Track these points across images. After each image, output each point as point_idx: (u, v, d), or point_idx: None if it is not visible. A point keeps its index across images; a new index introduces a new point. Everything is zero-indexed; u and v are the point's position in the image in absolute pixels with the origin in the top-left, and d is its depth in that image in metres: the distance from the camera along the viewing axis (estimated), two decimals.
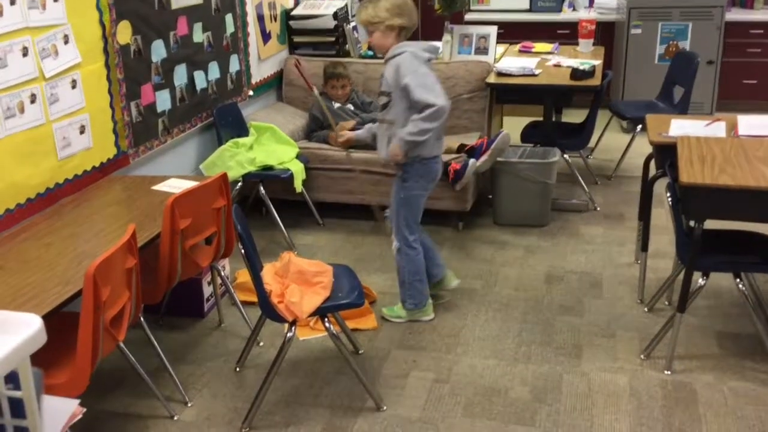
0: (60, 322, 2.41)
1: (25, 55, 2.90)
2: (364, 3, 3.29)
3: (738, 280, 3.07)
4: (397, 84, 3.16)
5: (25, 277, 2.49)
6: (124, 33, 3.47)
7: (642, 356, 3.20)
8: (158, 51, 3.72)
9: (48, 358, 2.33)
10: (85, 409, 1.60)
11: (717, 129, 3.57)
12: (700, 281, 3.07)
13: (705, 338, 3.33)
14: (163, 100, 3.80)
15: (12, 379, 1.25)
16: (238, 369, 3.21)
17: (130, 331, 2.68)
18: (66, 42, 3.11)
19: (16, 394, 1.27)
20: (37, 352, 1.47)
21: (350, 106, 4.74)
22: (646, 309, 3.57)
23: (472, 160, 4.18)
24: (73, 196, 3.20)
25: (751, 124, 3.55)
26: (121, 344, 2.63)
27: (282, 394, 3.03)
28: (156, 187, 3.24)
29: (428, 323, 3.49)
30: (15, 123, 2.88)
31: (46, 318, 2.06)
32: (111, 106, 3.42)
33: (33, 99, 2.96)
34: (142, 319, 2.83)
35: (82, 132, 3.24)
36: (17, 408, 1.30)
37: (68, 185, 3.19)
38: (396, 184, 3.40)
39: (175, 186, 3.23)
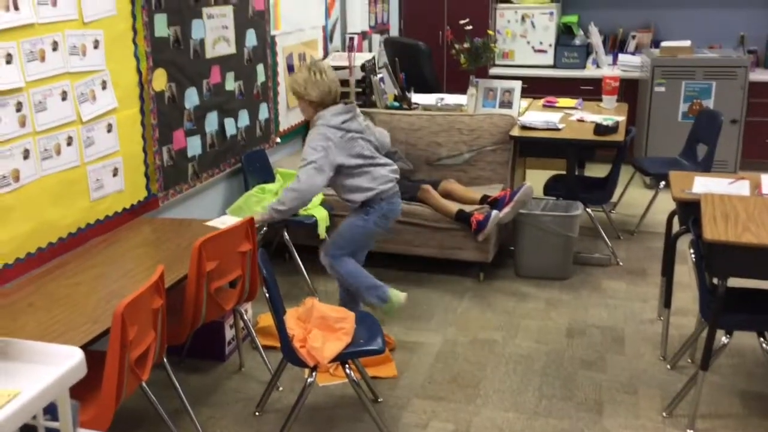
0: (87, 360, 2.44)
1: (64, 99, 3.00)
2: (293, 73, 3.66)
3: (762, 339, 3.04)
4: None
5: (54, 314, 2.54)
6: (160, 80, 3.58)
7: (664, 414, 3.16)
8: (191, 98, 3.83)
9: (75, 394, 2.37)
10: None
11: (741, 187, 3.58)
12: (724, 339, 3.05)
13: (728, 397, 3.29)
14: (194, 146, 3.89)
15: (50, 410, 1.28)
16: (257, 413, 3.21)
17: (152, 371, 2.71)
18: (104, 87, 3.22)
19: (54, 425, 1.30)
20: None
21: None
22: (668, 366, 3.54)
23: (494, 212, 4.21)
24: (103, 237, 3.26)
25: None
26: (144, 384, 2.65)
27: None
28: (209, 223, 3.41)
29: (446, 370, 3.48)
30: (51, 164, 2.96)
31: None
32: (144, 150, 3.51)
33: (69, 141, 3.05)
34: (165, 359, 2.86)
35: (115, 174, 3.33)
36: None
37: (99, 226, 3.26)
38: (355, 214, 3.59)
39: (226, 222, 3.40)
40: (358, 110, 3.59)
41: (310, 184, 3.39)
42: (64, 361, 1.26)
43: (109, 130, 3.27)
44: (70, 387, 1.48)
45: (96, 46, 3.16)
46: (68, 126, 3.04)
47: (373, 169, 3.51)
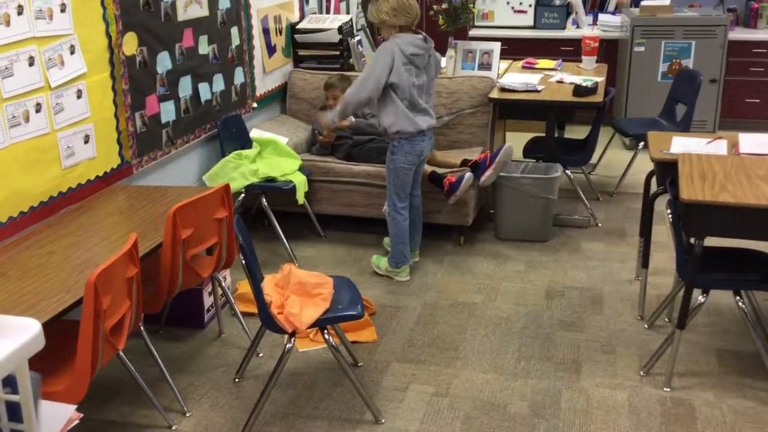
0: (60, 330, 2.42)
1: (31, 64, 2.93)
2: (371, 4, 3.89)
3: (738, 297, 3.07)
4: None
5: (26, 284, 2.50)
6: (130, 44, 3.50)
7: (641, 373, 3.19)
8: (163, 62, 3.75)
9: (47, 365, 2.35)
10: (81, 415, 1.61)
11: (718, 147, 3.58)
12: (700, 298, 3.08)
13: (705, 355, 3.32)
14: (168, 111, 3.83)
15: (10, 382, 1.26)
16: (237, 380, 3.21)
17: (129, 340, 2.69)
18: (72, 52, 3.14)
19: (14, 397, 1.28)
20: (36, 359, 1.48)
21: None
22: (646, 325, 3.57)
23: (468, 174, 4.18)
24: (76, 205, 3.21)
25: (752, 142, 3.56)
26: (121, 353, 2.64)
27: (280, 406, 3.03)
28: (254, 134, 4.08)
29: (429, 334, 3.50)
30: (20, 132, 2.90)
31: (47, 325, 2.06)
32: (116, 116, 3.44)
33: (38, 108, 2.98)
34: (142, 328, 2.84)
35: (86, 141, 3.26)
36: (14, 412, 1.31)
37: (71, 194, 3.21)
38: (387, 156, 3.92)
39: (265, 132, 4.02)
40: (430, 43, 3.82)
41: (357, 92, 3.75)
42: (21, 333, 1.24)
43: (78, 96, 3.20)
44: (42, 358, 1.45)
45: (63, 10, 3.08)
46: (36, 92, 2.97)
47: (406, 109, 3.75)
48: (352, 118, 4.66)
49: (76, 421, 1.57)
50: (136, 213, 3.17)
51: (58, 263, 2.67)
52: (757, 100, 6.54)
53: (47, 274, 2.58)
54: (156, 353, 2.96)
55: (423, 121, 3.83)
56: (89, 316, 2.30)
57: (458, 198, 4.22)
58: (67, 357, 2.42)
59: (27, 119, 2.93)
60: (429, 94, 3.92)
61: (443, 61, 5.21)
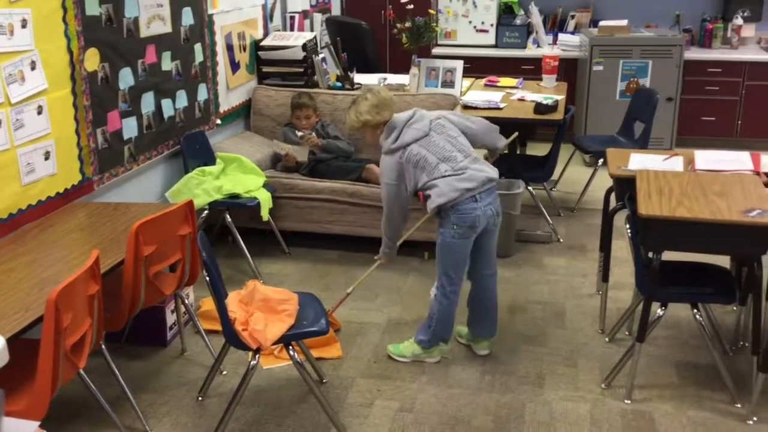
0: (20, 349, 2.37)
1: None
2: (348, 109, 3.41)
3: (695, 310, 3.14)
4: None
5: None
6: (92, 60, 3.47)
7: (603, 385, 3.24)
8: (126, 78, 3.73)
9: (7, 384, 2.30)
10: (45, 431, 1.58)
11: (675, 163, 3.67)
12: (659, 312, 3.14)
13: (664, 368, 3.38)
14: (130, 128, 3.80)
15: None
16: (200, 398, 3.18)
17: (90, 358, 2.65)
18: (33, 68, 3.11)
19: None
20: None
21: (313, 134, 4.77)
22: (607, 339, 3.62)
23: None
24: (36, 222, 3.17)
25: (707, 159, 3.65)
26: (82, 372, 2.60)
27: (244, 423, 3.01)
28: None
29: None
30: None
31: (7, 344, 2.04)
32: (77, 132, 3.41)
33: None
34: (103, 346, 2.80)
35: (47, 158, 3.22)
36: None
37: (31, 211, 3.16)
38: (437, 231, 3.28)
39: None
40: (419, 113, 3.34)
41: (388, 223, 3.39)
42: None
43: (39, 112, 3.16)
44: (1, 377, 1.43)
45: (24, 26, 3.05)
46: None
47: (437, 180, 3.19)
48: (323, 141, 4.66)
49: None
50: (98, 230, 3.14)
51: (17, 281, 2.63)
52: (713, 118, 6.71)
53: (6, 292, 2.53)
54: (117, 372, 2.92)
55: (463, 181, 3.17)
56: (49, 335, 2.26)
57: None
58: (27, 376, 2.37)
59: None
60: (459, 150, 3.26)
61: (407, 79, 5.26)
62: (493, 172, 3.27)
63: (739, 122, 6.70)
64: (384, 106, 3.31)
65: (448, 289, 3.30)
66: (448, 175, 3.17)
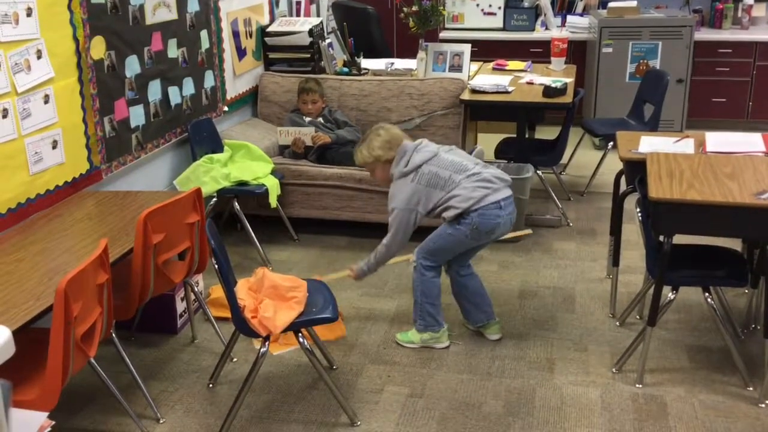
0: (30, 338, 2.39)
1: None
2: (358, 146, 3.40)
3: (706, 294, 3.11)
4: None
5: None
6: (98, 48, 3.46)
7: (614, 370, 3.23)
8: (132, 66, 3.72)
9: (18, 374, 2.31)
10: (53, 422, 1.59)
11: (685, 146, 3.63)
12: (670, 295, 3.12)
13: (675, 352, 3.37)
14: (137, 116, 3.79)
15: None
16: (211, 385, 3.19)
17: (101, 347, 2.66)
18: (39, 57, 3.10)
19: None
20: (6, 368, 1.47)
21: (320, 120, 4.76)
22: (617, 323, 3.61)
23: None
24: (44, 212, 3.17)
25: (718, 141, 3.62)
26: (92, 360, 2.60)
27: (255, 410, 3.01)
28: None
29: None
30: None
31: (17, 334, 2.04)
32: (84, 121, 3.41)
33: (5, 114, 2.94)
34: (113, 335, 2.81)
35: (54, 147, 3.22)
36: None
37: (40, 200, 3.16)
38: (451, 219, 3.25)
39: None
40: (425, 141, 3.34)
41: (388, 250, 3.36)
42: None
43: (46, 101, 3.16)
44: (12, 367, 1.44)
45: (29, 14, 3.04)
46: (3, 97, 2.92)
47: (454, 190, 3.21)
48: (332, 135, 4.63)
49: (48, 429, 1.55)
50: (106, 219, 3.14)
51: (26, 270, 2.63)
52: (723, 100, 6.64)
53: (16, 282, 2.54)
54: (128, 360, 2.93)
55: (481, 186, 3.20)
56: (59, 324, 2.27)
57: None
58: (38, 365, 2.38)
59: None
60: (469, 161, 3.32)
61: (414, 64, 5.23)
62: (505, 174, 3.33)
63: (750, 103, 6.64)
64: (395, 142, 3.30)
65: (425, 264, 3.34)
66: (464, 181, 3.21)
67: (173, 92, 4.10)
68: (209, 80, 4.49)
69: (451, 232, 3.24)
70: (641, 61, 6.32)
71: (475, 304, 3.47)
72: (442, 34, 6.91)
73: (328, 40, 5.37)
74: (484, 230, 3.20)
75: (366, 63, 5.34)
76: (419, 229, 3.33)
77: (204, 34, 4.39)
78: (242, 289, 2.92)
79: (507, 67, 5.55)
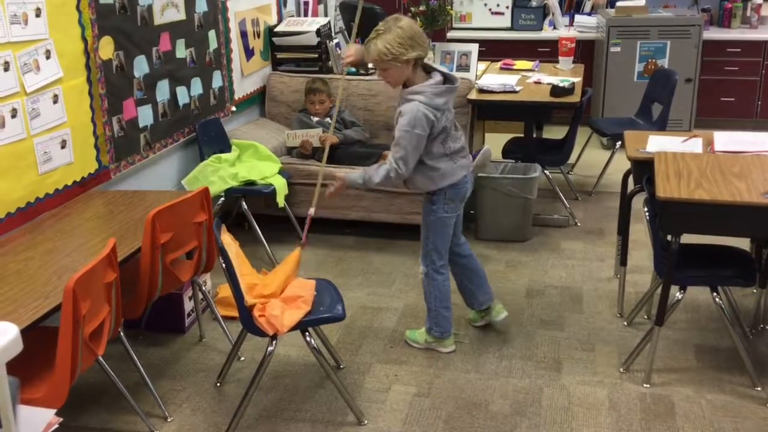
0: (39, 337, 2.40)
1: (6, 69, 2.90)
2: (371, 38, 3.00)
3: (715, 293, 3.10)
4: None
5: (3, 291, 2.48)
6: (107, 48, 3.48)
7: (621, 369, 3.22)
8: (140, 66, 3.73)
9: (26, 372, 2.33)
10: (61, 419, 1.60)
11: (693, 145, 3.62)
12: (678, 295, 3.11)
13: (683, 351, 3.36)
14: (146, 116, 3.81)
15: None
16: (218, 384, 3.20)
17: (109, 345, 2.67)
18: (48, 57, 3.12)
19: None
20: (15, 366, 1.48)
21: (328, 120, 4.77)
22: (625, 323, 3.60)
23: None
24: (53, 211, 3.19)
25: (727, 140, 3.60)
26: (101, 359, 2.62)
27: (263, 409, 3.02)
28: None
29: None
30: None
31: (25, 332, 2.05)
32: (92, 121, 3.42)
33: (14, 114, 2.95)
34: (121, 333, 2.82)
35: (63, 147, 3.24)
36: None
37: (49, 200, 3.18)
38: (424, 207, 3.26)
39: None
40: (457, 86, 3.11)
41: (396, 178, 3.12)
42: None
43: (55, 101, 3.17)
44: (21, 365, 1.44)
45: (38, 14, 3.05)
46: (12, 97, 2.94)
47: (443, 160, 3.13)
48: (340, 136, 4.62)
49: (56, 426, 1.56)
50: (115, 218, 3.15)
51: (35, 269, 2.65)
52: (732, 99, 6.62)
53: (25, 281, 2.55)
54: (136, 358, 2.95)
55: (464, 167, 3.19)
56: (68, 322, 2.28)
57: None
58: (47, 364, 2.40)
59: (2, 125, 2.90)
60: (458, 129, 3.23)
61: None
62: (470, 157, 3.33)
63: (759, 103, 6.61)
64: (418, 41, 2.94)
65: (438, 264, 3.29)
66: (452, 158, 3.14)
67: (181, 92, 4.11)
68: (217, 80, 4.50)
69: (435, 218, 3.22)
70: (649, 60, 6.30)
71: (478, 285, 3.48)
72: (450, 34, 6.90)
73: (335, 40, 5.37)
74: (458, 198, 3.23)
75: None
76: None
77: (212, 34, 4.40)
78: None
79: (514, 67, 5.54)
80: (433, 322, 3.37)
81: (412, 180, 3.18)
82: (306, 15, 5.87)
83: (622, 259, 3.70)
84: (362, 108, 4.95)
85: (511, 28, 7.06)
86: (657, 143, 3.63)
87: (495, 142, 5.20)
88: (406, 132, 3.00)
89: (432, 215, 3.22)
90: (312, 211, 3.63)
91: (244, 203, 4.31)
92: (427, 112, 2.99)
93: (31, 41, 3.03)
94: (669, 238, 2.96)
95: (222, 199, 4.24)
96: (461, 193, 3.23)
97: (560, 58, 5.51)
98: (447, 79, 3.08)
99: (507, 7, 7.05)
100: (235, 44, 4.74)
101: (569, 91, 4.70)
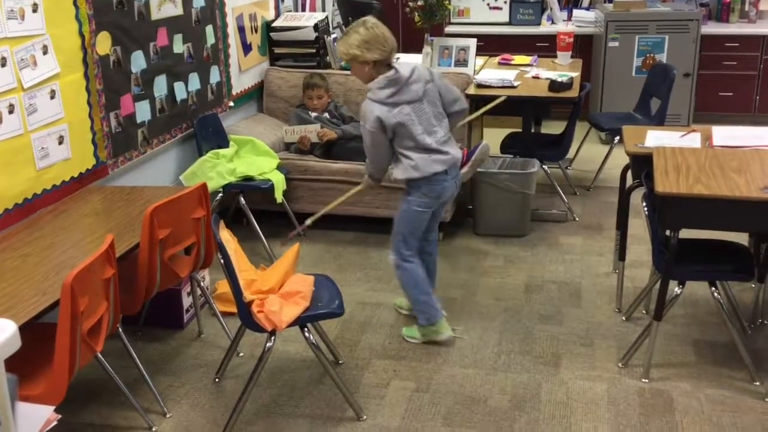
0: (37, 333, 2.40)
1: (3, 65, 2.89)
2: (339, 41, 3.26)
3: (713, 288, 3.10)
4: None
5: (1, 287, 2.47)
6: (104, 44, 3.47)
7: (620, 364, 3.22)
8: (138, 62, 3.72)
9: (25, 368, 2.32)
10: (59, 416, 1.59)
11: (692, 140, 3.62)
12: (677, 290, 3.11)
13: (682, 346, 3.36)
14: (143, 111, 3.80)
15: None
16: (217, 380, 3.20)
17: (108, 342, 2.67)
18: (45, 52, 3.11)
19: None
20: (13, 363, 1.47)
21: (326, 115, 4.76)
22: (623, 318, 3.60)
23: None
24: (51, 207, 3.18)
25: (725, 135, 3.60)
26: (99, 355, 2.61)
27: (261, 405, 3.02)
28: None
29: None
30: None
31: (23, 329, 2.04)
32: (90, 116, 3.41)
33: (11, 109, 2.95)
34: (120, 329, 2.82)
35: (60, 142, 3.23)
36: None
37: (46, 196, 3.17)
38: (401, 197, 3.37)
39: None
40: (417, 72, 3.17)
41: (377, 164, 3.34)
42: None
43: (52, 97, 3.16)
44: (19, 361, 1.44)
45: (35, 10, 3.04)
46: (9, 93, 2.93)
47: (416, 153, 3.20)
48: (338, 131, 4.63)
49: (54, 423, 1.55)
50: (112, 214, 3.15)
51: (33, 265, 2.64)
52: (730, 94, 6.61)
53: (23, 277, 2.55)
54: (135, 354, 2.95)
55: (439, 162, 3.22)
56: (66, 319, 2.28)
57: None
58: (45, 360, 2.39)
59: (0, 120, 2.89)
60: (441, 125, 3.25)
61: (419, 58, 5.22)
62: (459, 153, 3.34)
63: (757, 97, 6.60)
64: (375, 44, 3.10)
65: (406, 254, 3.35)
66: (427, 152, 3.19)
67: (179, 88, 4.10)
68: (215, 75, 4.49)
69: (407, 209, 3.30)
70: (648, 55, 6.30)
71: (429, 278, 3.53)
72: (448, 29, 6.89)
73: (333, 35, 5.36)
74: (433, 196, 3.27)
75: None
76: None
77: (209, 29, 4.39)
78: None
79: (513, 62, 5.53)
80: (417, 311, 3.41)
81: (392, 170, 3.30)
82: (303, 10, 5.86)
83: (621, 254, 3.70)
84: (360, 103, 4.93)
85: (510, 23, 7.05)
86: (655, 138, 3.63)
87: (493, 137, 5.19)
88: (362, 128, 3.24)
89: (405, 204, 3.32)
90: (322, 212, 3.74)
91: (242, 199, 4.30)
92: (372, 107, 3.13)
93: (28, 36, 3.02)
94: (668, 233, 2.96)
95: (220, 194, 4.23)
96: (436, 190, 3.26)
97: (558, 52, 5.50)
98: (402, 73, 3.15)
99: (505, 2, 7.04)
100: (233, 39, 4.73)
101: (567, 85, 4.70)
